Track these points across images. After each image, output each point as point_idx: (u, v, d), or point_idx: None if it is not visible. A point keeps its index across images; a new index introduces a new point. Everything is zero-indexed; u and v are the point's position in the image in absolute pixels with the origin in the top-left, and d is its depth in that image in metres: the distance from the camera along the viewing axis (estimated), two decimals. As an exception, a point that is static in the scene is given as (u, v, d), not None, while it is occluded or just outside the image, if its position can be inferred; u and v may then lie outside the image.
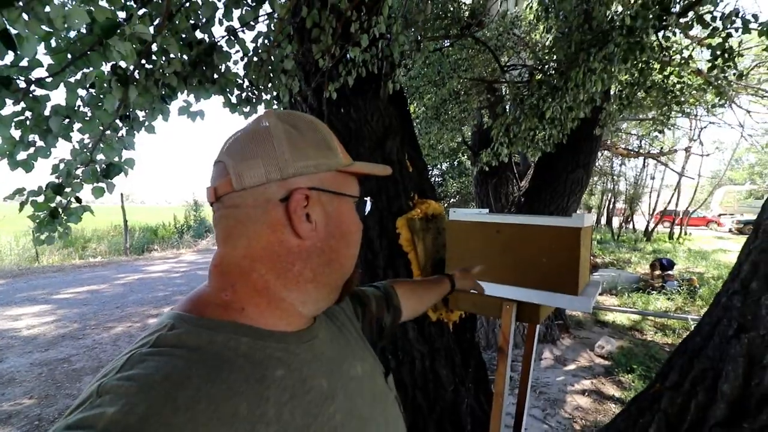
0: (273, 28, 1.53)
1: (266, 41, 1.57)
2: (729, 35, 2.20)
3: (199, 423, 0.36)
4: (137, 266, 10.07)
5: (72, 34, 1.16)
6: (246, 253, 0.48)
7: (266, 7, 1.48)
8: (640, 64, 2.71)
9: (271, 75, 1.80)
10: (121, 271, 9.20)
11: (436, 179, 10.37)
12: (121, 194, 12.52)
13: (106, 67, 1.28)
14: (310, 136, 0.51)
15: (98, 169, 1.30)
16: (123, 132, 1.60)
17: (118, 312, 5.79)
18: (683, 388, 0.88)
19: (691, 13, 2.23)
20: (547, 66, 2.85)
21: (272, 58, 1.51)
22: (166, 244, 13.53)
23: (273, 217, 0.48)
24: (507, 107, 3.54)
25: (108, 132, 1.30)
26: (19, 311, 5.75)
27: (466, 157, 8.66)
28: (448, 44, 4.13)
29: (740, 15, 2.06)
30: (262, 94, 1.79)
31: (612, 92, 3.26)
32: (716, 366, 0.82)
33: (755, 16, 2.01)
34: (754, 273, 0.86)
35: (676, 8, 2.14)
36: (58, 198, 1.39)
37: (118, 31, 0.84)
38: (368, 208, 0.59)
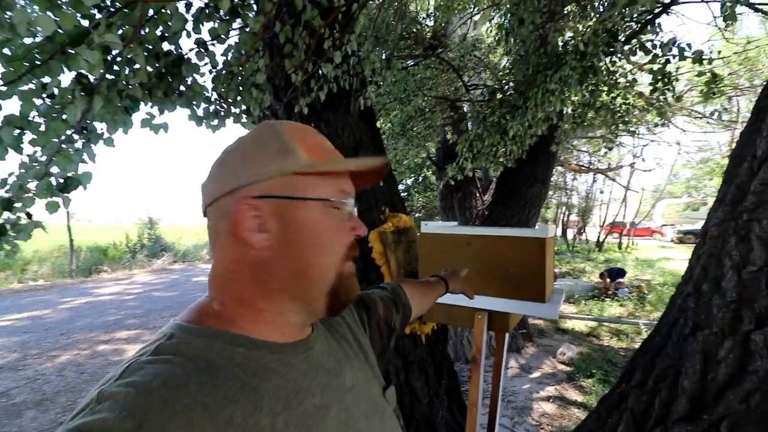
0: (245, 42, 1.53)
1: (238, 55, 1.56)
2: (667, 61, 2.43)
3: (195, 428, 0.37)
4: (84, 289, 9.36)
5: (28, 40, 1.10)
6: (222, 265, 0.50)
7: (239, 21, 1.48)
8: (590, 87, 2.93)
9: (241, 88, 1.78)
10: (66, 295, 8.52)
11: (402, 194, 10.51)
12: (67, 212, 11.67)
13: (66, 77, 1.22)
14: (268, 144, 0.51)
15: (53, 183, 1.22)
16: (79, 144, 1.52)
17: (63, 339, 5.34)
18: (647, 387, 0.94)
19: (634, 41, 2.45)
20: (507, 86, 3.01)
21: (243, 71, 1.50)
22: (118, 264, 12.70)
23: (230, 230, 0.48)
24: (470, 124, 3.69)
25: (64, 145, 1.23)
26: (-55, 342, 5.16)
27: (431, 172, 8.86)
28: (413, 63, 4.26)
29: (677, 44, 2.28)
30: (231, 107, 1.76)
31: (566, 112, 3.49)
32: (676, 364, 0.89)
33: (689, 45, 2.24)
34: (704, 276, 0.94)
35: (622, 37, 2.34)
36: (7, 214, 1.29)
37: (86, 39, 0.81)
38: (351, 208, 0.54)
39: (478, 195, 5.51)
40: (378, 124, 2.41)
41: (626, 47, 2.42)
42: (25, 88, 1.19)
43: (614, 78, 2.98)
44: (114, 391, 0.37)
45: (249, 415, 0.41)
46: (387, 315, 0.79)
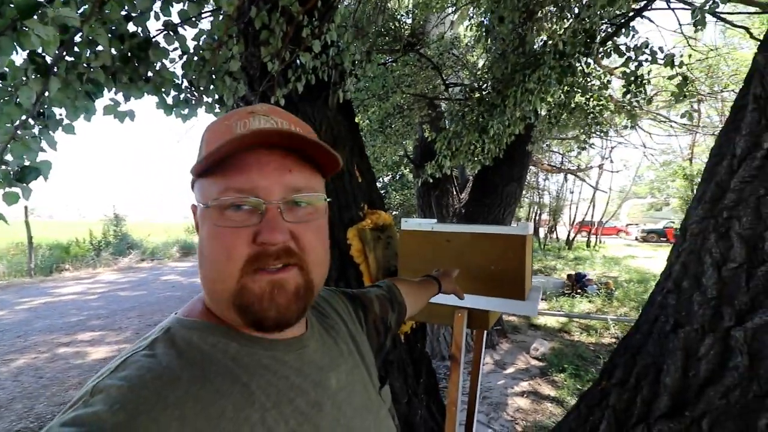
0: (217, 27, 1.45)
1: (210, 40, 1.48)
2: (640, 64, 2.50)
3: (186, 421, 0.37)
4: (44, 288, 8.85)
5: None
6: None
7: (212, 3, 1.40)
8: (566, 87, 2.99)
9: (214, 77, 1.70)
10: (24, 295, 8.02)
11: (380, 191, 10.46)
12: (25, 207, 11.00)
13: (19, 56, 1.11)
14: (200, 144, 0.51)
15: (10, 172, 1.12)
16: (36, 130, 1.40)
17: (20, 342, 5.01)
18: (629, 384, 0.94)
19: (609, 43, 2.51)
20: (485, 85, 3.03)
21: (215, 58, 1.42)
22: (80, 262, 12.07)
23: None
24: (448, 122, 3.70)
25: (19, 131, 1.12)
26: None
27: (408, 170, 8.87)
28: (392, 60, 4.23)
29: (649, 47, 2.35)
30: (204, 96, 1.68)
31: (542, 112, 3.55)
32: (657, 361, 0.90)
33: (661, 49, 2.31)
34: (685, 273, 0.95)
35: (598, 39, 2.38)
36: (-47, 206, 1.17)
37: (39, 12, 0.73)
38: (256, 209, 0.44)
39: (455, 193, 5.55)
40: (356, 120, 2.37)
41: (602, 49, 2.47)
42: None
43: (588, 80, 3.05)
44: (108, 384, 0.38)
45: (240, 409, 0.41)
46: (383, 313, 0.78)
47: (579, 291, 7.54)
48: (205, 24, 1.58)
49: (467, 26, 4.73)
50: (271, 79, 1.57)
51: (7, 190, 1.11)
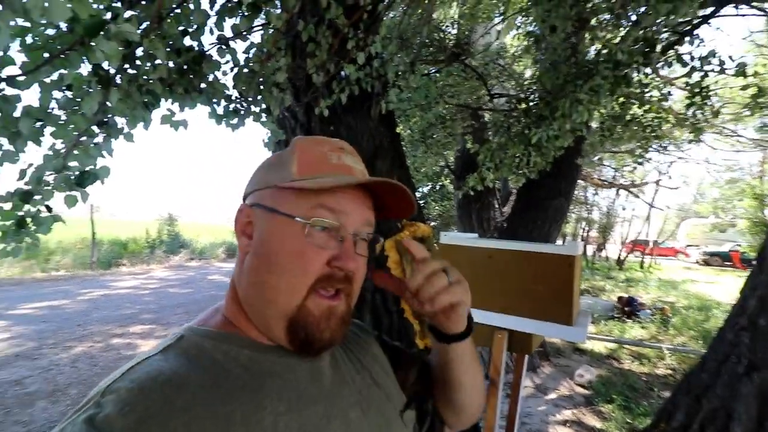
0: (266, 40, 1.49)
1: (259, 53, 1.53)
2: (706, 75, 2.31)
3: (193, 425, 0.38)
4: (103, 281, 9.56)
5: (50, 31, 1.08)
6: (236, 269, 0.53)
7: (262, 18, 1.45)
8: (620, 99, 2.82)
9: (261, 88, 1.75)
10: (86, 286, 8.70)
11: (419, 202, 10.39)
12: (91, 206, 12.01)
13: (85, 69, 1.20)
14: (280, 155, 0.53)
15: (71, 177, 1.20)
16: (100, 138, 1.51)
17: (79, 330, 5.42)
18: (692, 429, 0.84)
19: (671, 52, 2.34)
20: (533, 95, 2.92)
21: (264, 70, 1.47)
22: (136, 259, 12.96)
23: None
24: (492, 134, 3.61)
25: (83, 138, 1.21)
26: (-32, 327, 5.31)
27: (448, 181, 8.76)
28: (436, 70, 4.21)
29: (717, 56, 2.16)
30: (252, 106, 1.74)
31: (594, 125, 3.37)
32: (727, 405, 0.79)
33: (731, 58, 2.12)
34: (762, 309, 0.84)
35: (658, 48, 2.23)
36: (27, 206, 1.28)
37: (103, 30, 0.78)
38: (319, 238, 0.47)
39: (497, 206, 5.39)
40: (397, 130, 2.36)
41: (662, 59, 2.30)
42: (47, 80, 1.18)
43: (646, 91, 2.86)
44: (118, 387, 0.39)
45: (251, 413, 0.41)
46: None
47: (630, 315, 7.03)
48: (255, 38, 1.64)
49: (515, 35, 4.62)
50: (316, 91, 1.59)
51: (67, 194, 1.19)
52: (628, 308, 7.23)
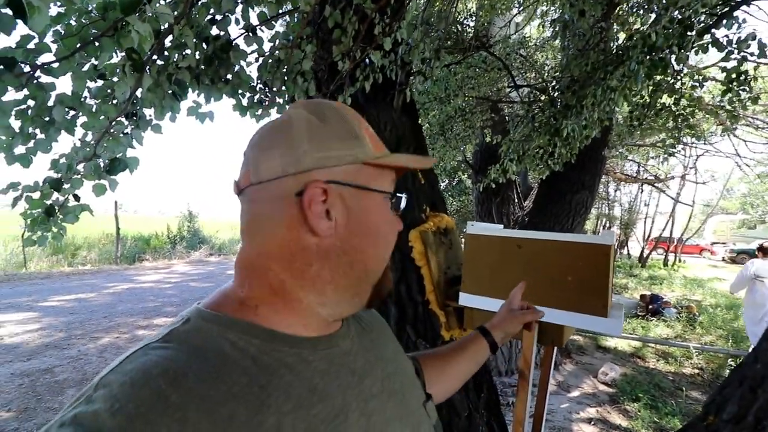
0: (292, 28, 1.48)
1: (285, 41, 1.52)
2: (744, 59, 2.20)
3: (188, 423, 0.34)
4: (127, 275, 9.83)
5: (83, 19, 1.09)
6: (261, 251, 0.47)
7: (288, 5, 1.44)
8: (650, 87, 2.71)
9: (286, 78, 1.75)
10: (111, 280, 8.97)
11: (442, 194, 10.27)
12: (115, 202, 12.35)
13: (116, 58, 1.21)
14: (335, 125, 0.48)
15: (101, 165, 1.22)
16: (129, 129, 1.53)
17: (105, 322, 5.58)
18: (746, 422, 0.79)
19: (707, 36, 2.23)
20: (558, 84, 2.84)
21: (290, 58, 1.46)
22: (158, 254, 13.28)
23: (289, 214, 0.45)
24: (514, 125, 3.52)
25: (113, 125, 1.22)
26: (2, 318, 5.52)
27: (466, 175, 8.66)
28: (458, 61, 4.14)
29: (757, 39, 2.05)
30: (276, 96, 1.73)
31: (617, 116, 3.26)
32: (789, 398, 0.74)
33: (773, 41, 2.01)
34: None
35: (693, 31, 2.13)
36: (55, 195, 1.30)
37: (139, 9, 0.78)
38: (403, 203, 0.53)
39: (517, 200, 5.30)
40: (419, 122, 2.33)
41: (698, 42, 2.20)
42: (81, 69, 1.20)
43: (680, 77, 2.75)
44: (111, 380, 0.37)
45: (254, 412, 0.38)
46: None
47: (654, 314, 6.84)
48: (281, 27, 1.63)
49: (539, 24, 4.51)
50: (340, 79, 1.58)
51: (96, 182, 1.20)
52: (652, 306, 7.03)
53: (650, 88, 2.73)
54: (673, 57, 2.05)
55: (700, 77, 2.90)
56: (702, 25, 2.19)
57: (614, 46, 2.34)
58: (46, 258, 10.51)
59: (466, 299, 1.52)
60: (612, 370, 4.15)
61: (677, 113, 2.94)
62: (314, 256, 0.46)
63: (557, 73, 2.98)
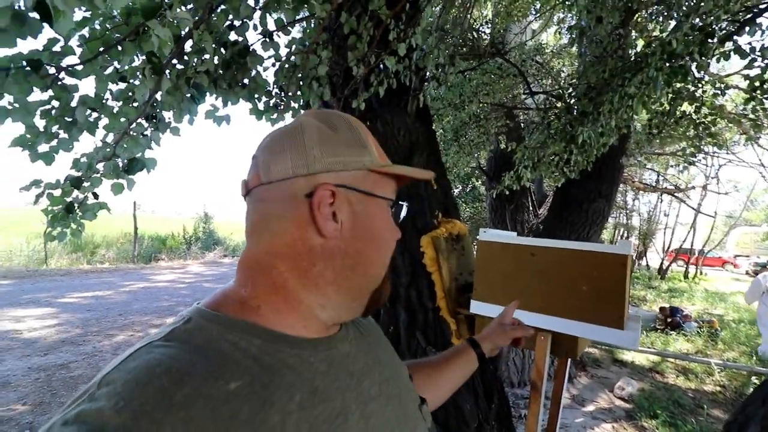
0: (308, 34, 1.50)
1: (301, 46, 1.54)
2: (769, 66, 2.14)
3: (192, 423, 0.34)
4: (144, 274, 10.02)
5: (107, 24, 1.13)
6: (268, 249, 0.48)
7: (305, 12, 1.46)
8: (670, 95, 2.65)
9: (301, 83, 1.77)
10: (128, 279, 9.15)
11: (455, 200, 10.22)
12: (134, 202, 12.65)
13: (137, 62, 1.24)
14: (343, 133, 0.50)
15: (120, 164, 1.25)
16: (149, 132, 1.56)
17: (120, 320, 5.69)
18: (770, 443, 0.76)
19: (729, 43, 2.18)
20: (574, 91, 2.80)
21: (306, 63, 1.47)
22: (174, 254, 13.52)
23: (297, 213, 0.47)
24: (529, 132, 3.49)
25: (133, 127, 1.26)
26: (23, 313, 5.68)
27: (480, 182, 8.61)
28: (473, 67, 4.13)
29: (783, 46, 2.00)
30: (291, 101, 1.75)
31: (634, 125, 3.20)
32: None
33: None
34: None
35: (715, 38, 2.08)
36: (75, 193, 1.34)
37: (159, 14, 0.80)
38: (404, 212, 0.55)
39: (531, 208, 5.23)
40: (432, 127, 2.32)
41: (721, 49, 2.15)
42: (104, 72, 1.23)
43: (701, 85, 2.69)
44: (114, 378, 0.37)
45: (257, 410, 0.38)
46: None
47: (674, 327, 6.63)
48: (297, 33, 1.65)
49: (555, 31, 4.48)
50: (355, 84, 1.59)
51: (114, 181, 1.23)
52: (672, 319, 6.82)
53: (670, 95, 2.67)
54: (694, 64, 2.01)
55: (722, 85, 2.83)
56: (724, 32, 2.14)
57: (632, 53, 2.30)
58: (66, 255, 10.80)
59: (477, 307, 1.50)
60: (629, 384, 4.03)
61: (698, 121, 2.87)
62: (319, 257, 0.47)
63: (573, 80, 2.94)
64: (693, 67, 2.38)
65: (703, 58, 2.03)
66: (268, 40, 1.44)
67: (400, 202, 0.54)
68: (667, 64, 1.83)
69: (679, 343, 5.97)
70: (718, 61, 2.37)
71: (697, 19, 1.86)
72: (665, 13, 2.47)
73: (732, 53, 2.28)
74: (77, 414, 0.34)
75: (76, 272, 9.66)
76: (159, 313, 6.17)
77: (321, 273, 0.47)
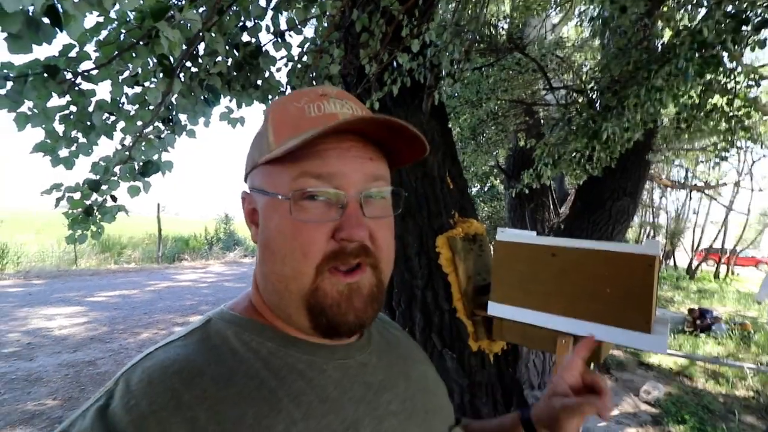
0: (320, 33, 1.49)
1: (313, 46, 1.53)
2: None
3: (197, 424, 0.34)
4: (167, 274, 10.30)
5: (123, 28, 1.14)
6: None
7: (316, 10, 1.45)
8: (699, 87, 2.53)
9: (314, 83, 1.76)
10: (152, 278, 9.42)
11: (472, 199, 10.09)
12: (158, 204, 13.01)
13: (151, 65, 1.26)
14: (261, 126, 0.47)
15: (136, 167, 1.27)
16: (165, 135, 1.59)
17: (146, 318, 5.86)
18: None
19: (765, 31, 2.05)
20: (596, 85, 2.71)
21: (317, 62, 1.46)
22: (197, 254, 13.85)
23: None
24: (549, 129, 3.40)
25: (149, 129, 1.27)
26: (54, 311, 5.92)
27: (498, 181, 8.47)
28: (490, 63, 4.05)
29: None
30: (304, 101, 1.75)
31: (661, 119, 3.06)
32: None
33: None
34: None
35: (749, 26, 1.97)
36: (94, 196, 1.36)
37: (168, 16, 0.80)
38: (333, 200, 0.41)
39: (552, 207, 5.10)
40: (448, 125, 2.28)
41: (756, 38, 2.03)
42: (118, 76, 1.25)
43: (734, 76, 2.55)
44: (130, 377, 0.38)
45: (263, 416, 0.37)
46: None
47: (703, 330, 6.36)
48: (309, 33, 1.64)
49: (576, 24, 4.35)
50: (368, 82, 1.56)
51: (131, 184, 1.25)
52: (701, 321, 6.54)
53: (700, 87, 2.55)
54: (726, 54, 1.90)
55: (757, 76, 2.68)
56: (759, 18, 2.02)
57: (659, 44, 2.20)
58: (95, 256, 11.20)
59: (495, 309, 1.46)
60: (655, 388, 3.89)
61: (731, 115, 2.72)
62: (258, 264, 0.47)
63: (596, 74, 2.84)
64: (725, 58, 2.26)
65: (737, 47, 1.92)
66: (279, 40, 1.44)
67: (306, 189, 0.40)
68: (698, 55, 1.74)
69: (708, 346, 5.73)
70: (752, 50, 2.24)
71: (730, 6, 1.76)
72: (695, 1, 2.35)
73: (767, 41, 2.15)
74: (92, 411, 0.35)
75: (104, 272, 10.00)
76: (182, 312, 6.32)
77: (258, 280, 0.47)
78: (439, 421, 0.52)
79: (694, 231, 15.27)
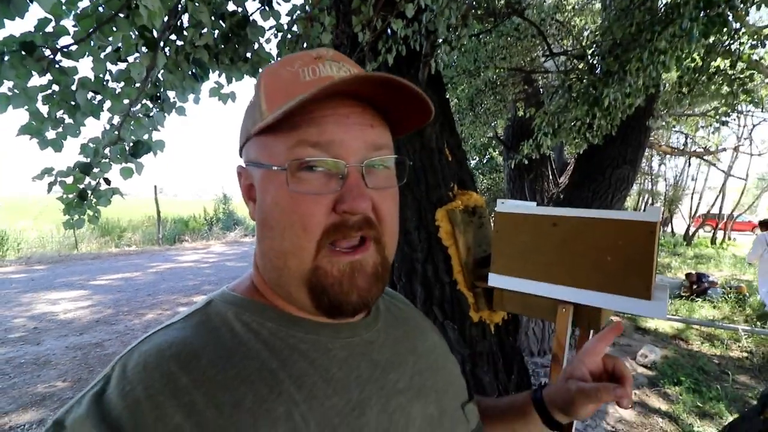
0: (310, 2, 1.42)
1: (302, 13, 1.46)
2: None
3: (195, 409, 0.33)
4: (169, 255, 10.34)
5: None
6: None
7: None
8: (702, 49, 2.45)
9: (306, 54, 1.70)
10: (154, 260, 9.46)
11: (471, 171, 10.02)
12: (155, 186, 12.91)
13: (134, 38, 1.20)
14: (253, 96, 0.44)
15: (126, 148, 1.23)
16: (153, 113, 1.54)
17: (149, 299, 5.91)
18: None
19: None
20: (599, 48, 2.63)
21: (308, 31, 1.40)
22: (197, 235, 13.86)
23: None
24: (549, 97, 3.32)
25: (137, 108, 1.23)
26: (58, 296, 5.96)
27: (497, 152, 8.40)
28: (488, 29, 3.92)
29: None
30: (296, 74, 1.69)
31: (664, 83, 3.00)
32: None
33: None
34: None
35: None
36: (87, 179, 1.33)
37: (145, -17, 0.75)
38: (332, 170, 0.38)
39: (551, 177, 5.07)
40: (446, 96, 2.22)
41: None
42: (99, 52, 1.20)
43: (738, 37, 2.47)
44: (127, 360, 0.37)
45: (262, 399, 0.36)
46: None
47: (700, 294, 6.47)
48: (298, 0, 1.57)
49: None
50: (361, 52, 1.50)
51: (123, 166, 1.21)
52: (698, 286, 6.64)
53: (703, 50, 2.47)
54: (731, 15, 1.83)
55: (761, 37, 2.60)
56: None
57: (662, 4, 2.11)
58: (95, 240, 11.21)
59: (496, 280, 1.46)
60: (652, 352, 3.98)
61: (733, 77, 2.66)
62: (257, 238, 0.45)
63: (597, 37, 2.75)
64: (730, 17, 2.19)
65: (743, 5, 1.85)
66: (267, 8, 1.37)
67: (303, 159, 0.37)
68: (702, 14, 1.67)
69: (705, 309, 5.84)
70: (758, 8, 2.17)
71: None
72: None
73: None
74: (88, 397, 0.35)
75: (105, 256, 10.03)
76: (185, 292, 6.38)
77: (258, 257, 0.45)
78: (450, 398, 0.50)
79: (692, 197, 15.31)
